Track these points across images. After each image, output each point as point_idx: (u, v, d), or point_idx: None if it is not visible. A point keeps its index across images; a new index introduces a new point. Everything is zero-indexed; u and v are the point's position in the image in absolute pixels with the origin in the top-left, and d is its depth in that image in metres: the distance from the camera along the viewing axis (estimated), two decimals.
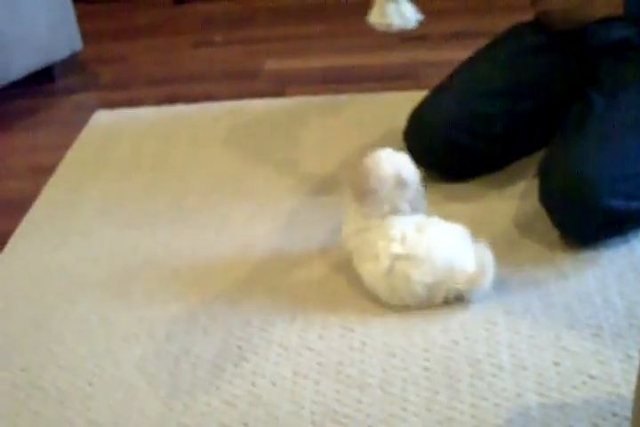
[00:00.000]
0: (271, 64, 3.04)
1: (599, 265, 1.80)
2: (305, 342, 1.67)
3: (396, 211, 1.75)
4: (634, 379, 1.18)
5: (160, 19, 3.60)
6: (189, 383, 1.60)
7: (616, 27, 1.98)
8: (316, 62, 3.00)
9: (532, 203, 1.92)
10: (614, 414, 1.43)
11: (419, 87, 2.46)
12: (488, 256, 1.73)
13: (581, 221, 1.80)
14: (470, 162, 2.11)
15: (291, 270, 1.89)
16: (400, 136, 2.15)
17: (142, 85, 3.00)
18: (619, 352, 1.56)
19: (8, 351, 1.75)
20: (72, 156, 2.50)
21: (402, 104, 2.25)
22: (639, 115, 1.87)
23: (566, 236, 1.85)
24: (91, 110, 2.77)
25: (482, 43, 2.22)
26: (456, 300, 1.71)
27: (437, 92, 2.16)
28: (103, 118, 2.73)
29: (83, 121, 2.70)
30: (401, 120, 2.15)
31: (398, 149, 1.92)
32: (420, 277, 1.68)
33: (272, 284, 1.85)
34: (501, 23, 2.27)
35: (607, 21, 1.98)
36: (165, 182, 2.31)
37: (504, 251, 1.84)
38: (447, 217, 1.82)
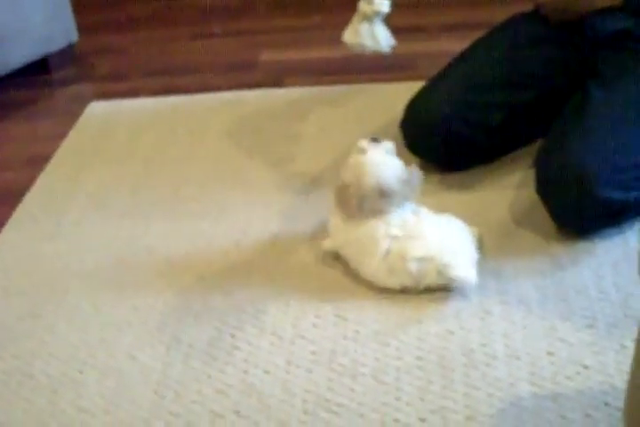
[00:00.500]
0: (269, 55, 3.04)
1: (594, 256, 1.79)
2: (298, 331, 1.66)
3: (380, 214, 1.75)
4: (627, 369, 1.18)
5: (157, 10, 3.58)
6: (181, 372, 1.60)
7: (615, 18, 1.97)
8: (314, 53, 2.99)
9: (529, 193, 1.92)
10: (607, 404, 1.42)
11: (416, 78, 2.45)
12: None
13: (578, 212, 1.80)
14: (467, 152, 2.11)
15: (285, 259, 1.88)
16: (397, 127, 2.14)
17: (139, 77, 2.99)
18: (613, 343, 1.56)
19: (0, 340, 1.74)
20: (67, 146, 2.49)
21: (399, 95, 2.25)
22: (637, 106, 1.86)
23: (562, 226, 1.85)
24: (87, 101, 2.76)
25: (480, 34, 2.21)
26: (445, 286, 1.70)
27: (434, 83, 2.15)
28: (99, 109, 2.72)
29: (79, 112, 2.69)
30: (399, 111, 2.14)
31: (395, 139, 1.92)
32: (413, 252, 1.69)
33: (266, 273, 1.84)
34: (500, 14, 2.26)
35: (606, 12, 1.97)
36: (161, 173, 2.30)
37: (500, 241, 1.85)
38: (443, 207, 1.82)
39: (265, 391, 1.53)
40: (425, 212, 1.78)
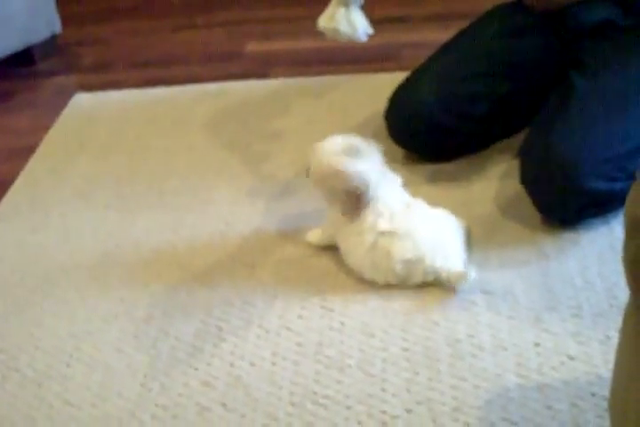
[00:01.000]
0: (254, 46, 3.03)
1: (579, 246, 1.79)
2: (284, 323, 1.66)
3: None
4: (613, 359, 1.18)
5: (141, 1, 3.57)
6: (167, 364, 1.60)
7: (598, 8, 1.97)
8: (299, 44, 2.98)
9: (513, 184, 1.92)
10: (593, 394, 1.43)
11: (400, 69, 2.45)
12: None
13: (563, 202, 1.80)
14: (451, 143, 2.11)
15: (270, 252, 1.88)
16: (382, 117, 2.14)
17: (123, 68, 2.98)
18: (598, 333, 1.56)
19: None
20: (52, 138, 2.49)
21: (384, 86, 2.24)
22: (621, 98, 1.86)
23: (547, 217, 1.85)
24: (71, 93, 2.76)
25: (463, 24, 2.20)
26: (435, 282, 1.70)
27: (418, 74, 2.15)
28: (83, 101, 2.71)
29: (63, 103, 2.68)
30: (383, 101, 2.14)
31: (379, 130, 1.93)
32: (401, 253, 1.68)
33: (252, 265, 1.84)
34: (483, 4, 2.25)
35: (589, 2, 1.97)
36: (146, 165, 2.29)
37: (485, 232, 1.85)
38: (427, 198, 1.81)
39: (251, 384, 1.53)
40: (418, 204, 1.77)
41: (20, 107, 2.74)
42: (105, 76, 2.92)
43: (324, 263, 1.81)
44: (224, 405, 1.50)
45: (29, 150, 2.41)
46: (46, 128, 2.53)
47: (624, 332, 1.10)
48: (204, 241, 1.93)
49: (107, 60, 3.05)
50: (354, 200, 1.71)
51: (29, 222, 2.09)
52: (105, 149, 2.40)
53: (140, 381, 1.57)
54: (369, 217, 1.72)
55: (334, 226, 1.79)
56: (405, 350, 1.57)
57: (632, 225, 1.00)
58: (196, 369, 1.58)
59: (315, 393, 1.50)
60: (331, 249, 1.82)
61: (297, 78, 2.70)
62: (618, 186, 1.78)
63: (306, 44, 2.96)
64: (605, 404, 1.35)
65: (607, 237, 1.81)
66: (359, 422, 1.43)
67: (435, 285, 1.70)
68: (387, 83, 2.23)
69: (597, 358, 1.51)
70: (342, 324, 1.64)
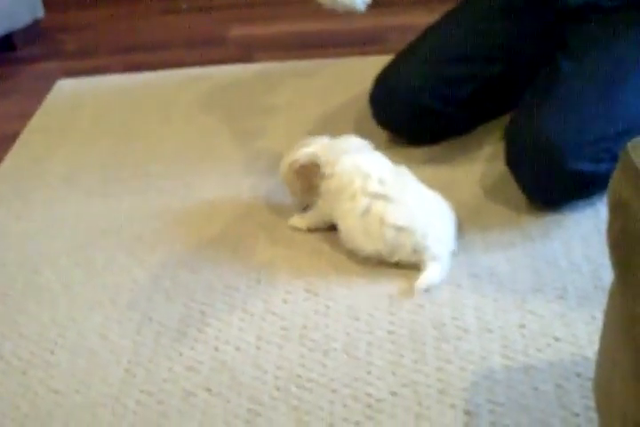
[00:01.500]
0: (238, 30, 3.02)
1: (564, 228, 1.79)
2: (269, 307, 1.66)
3: None
4: (598, 340, 1.18)
5: None
6: (152, 350, 1.59)
7: None
8: (283, 28, 2.98)
9: (498, 166, 1.92)
10: (578, 375, 1.43)
11: (386, 52, 2.44)
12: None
13: (548, 184, 1.80)
14: (436, 126, 2.10)
15: (255, 236, 1.87)
16: (366, 100, 2.13)
17: (107, 53, 2.97)
18: (584, 314, 1.56)
19: None
20: (35, 124, 2.47)
21: (369, 69, 2.22)
22: (607, 80, 1.85)
23: (532, 199, 1.85)
24: (54, 79, 2.74)
25: (448, 7, 2.20)
26: (415, 265, 1.69)
27: (403, 57, 2.14)
28: (66, 87, 2.69)
29: (46, 90, 2.67)
30: (368, 84, 2.13)
31: (365, 112, 1.91)
32: (393, 218, 1.68)
33: (236, 249, 1.83)
34: None
35: None
36: (130, 150, 2.28)
37: (470, 214, 1.84)
38: None
39: (236, 368, 1.53)
40: (406, 173, 1.77)
41: (3, 93, 2.72)
42: (88, 61, 2.90)
43: (309, 248, 1.81)
44: (209, 389, 1.49)
45: (12, 137, 2.39)
46: (29, 115, 2.51)
47: (608, 313, 1.10)
48: (187, 226, 1.93)
49: (90, 46, 3.03)
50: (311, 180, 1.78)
51: (12, 209, 2.08)
52: (89, 135, 2.39)
53: (125, 367, 1.56)
54: (356, 179, 1.72)
55: (323, 209, 1.80)
56: (391, 333, 1.56)
57: (615, 206, 1.00)
58: (181, 354, 1.57)
59: (299, 377, 1.49)
60: (317, 232, 1.82)
61: (282, 62, 2.69)
62: (603, 167, 1.77)
63: (291, 27, 2.96)
64: (590, 384, 1.35)
65: (592, 218, 1.81)
66: (344, 406, 1.43)
67: (419, 267, 1.69)
68: (372, 65, 2.22)
69: (583, 339, 1.51)
70: (327, 307, 1.64)
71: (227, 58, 2.78)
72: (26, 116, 2.51)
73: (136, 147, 2.29)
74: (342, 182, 1.75)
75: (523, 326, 1.55)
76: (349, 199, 1.73)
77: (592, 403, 1.20)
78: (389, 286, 1.67)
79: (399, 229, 1.68)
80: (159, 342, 1.60)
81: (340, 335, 1.57)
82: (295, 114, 2.34)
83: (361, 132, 1.97)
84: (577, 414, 1.36)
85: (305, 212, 1.86)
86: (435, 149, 2.10)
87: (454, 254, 1.72)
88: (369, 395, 1.44)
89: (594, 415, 1.27)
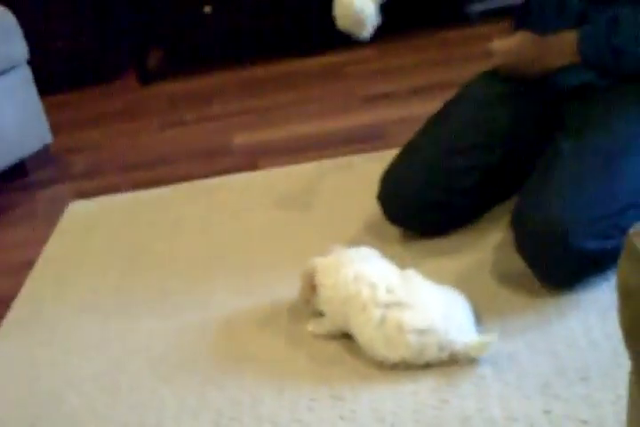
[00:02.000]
0: (241, 138, 3.06)
1: (581, 307, 1.79)
2: (295, 415, 1.65)
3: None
4: (625, 419, 1.17)
5: (127, 102, 3.63)
6: None
7: (576, 71, 1.99)
8: (284, 132, 3.02)
9: (508, 252, 1.92)
10: None
11: (388, 146, 2.47)
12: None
13: (558, 266, 1.80)
14: (444, 217, 2.12)
15: (275, 344, 1.87)
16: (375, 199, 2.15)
17: (116, 171, 3.01)
18: (609, 394, 1.55)
19: None
20: (50, 250, 2.51)
21: (374, 166, 2.26)
22: (607, 156, 1.87)
23: (545, 282, 1.85)
24: (66, 201, 2.79)
25: (446, 94, 2.22)
26: (450, 359, 1.69)
27: (408, 152, 2.16)
28: (79, 209, 2.74)
29: (59, 213, 2.71)
30: (374, 183, 2.14)
31: (375, 211, 1.94)
32: (412, 322, 1.67)
33: (259, 359, 1.84)
34: (462, 73, 2.30)
35: (566, 67, 1.99)
36: (146, 268, 2.30)
37: (485, 302, 1.84)
38: (426, 273, 1.82)
39: None
40: (414, 276, 1.79)
41: (17, 220, 2.77)
42: (98, 181, 2.95)
43: (330, 349, 1.81)
44: None
45: (29, 264, 2.42)
46: (44, 240, 2.55)
47: (630, 400, 1.09)
48: (208, 341, 1.93)
49: (97, 166, 3.09)
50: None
51: (36, 336, 2.10)
52: (103, 257, 2.42)
53: None
54: (363, 289, 1.73)
55: (334, 318, 1.81)
56: None
57: (624, 295, 1.00)
58: None
59: None
60: (336, 335, 1.83)
61: (286, 167, 2.72)
62: (611, 243, 1.76)
63: (292, 131, 3.00)
64: None
65: (608, 294, 1.79)
66: None
67: (443, 363, 1.68)
68: (376, 162, 2.25)
69: (610, 419, 1.49)
70: (353, 412, 1.63)
71: (234, 167, 2.81)
72: (41, 241, 2.55)
73: (150, 265, 2.32)
74: (349, 293, 1.76)
75: (548, 412, 1.54)
76: (361, 311, 1.73)
77: None
78: (412, 383, 1.67)
79: (421, 332, 1.67)
80: None
81: None
82: (307, 222, 2.35)
83: (374, 229, 2.01)
84: None
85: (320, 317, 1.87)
86: (445, 241, 2.11)
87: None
88: None
89: None
